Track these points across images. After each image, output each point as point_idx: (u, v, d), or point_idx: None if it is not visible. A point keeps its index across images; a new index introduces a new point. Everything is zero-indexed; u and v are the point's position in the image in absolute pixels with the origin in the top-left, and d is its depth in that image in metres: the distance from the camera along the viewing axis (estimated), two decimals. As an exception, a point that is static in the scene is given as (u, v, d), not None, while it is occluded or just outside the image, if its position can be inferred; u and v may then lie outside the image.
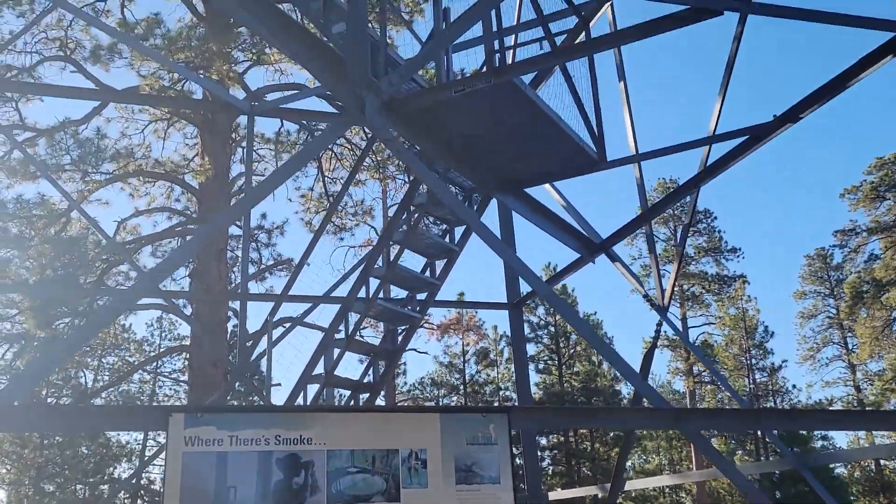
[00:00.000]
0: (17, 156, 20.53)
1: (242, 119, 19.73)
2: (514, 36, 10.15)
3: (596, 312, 52.29)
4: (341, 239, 26.91)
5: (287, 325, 14.83)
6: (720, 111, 8.38)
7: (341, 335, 8.97)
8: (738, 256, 56.58)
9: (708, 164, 8.54)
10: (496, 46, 7.55)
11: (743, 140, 7.80)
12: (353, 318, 9.08)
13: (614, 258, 10.38)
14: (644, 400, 6.00)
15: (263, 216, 28.10)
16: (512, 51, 9.90)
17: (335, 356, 8.65)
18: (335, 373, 8.82)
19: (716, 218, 57.38)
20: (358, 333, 9.07)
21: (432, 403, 49.74)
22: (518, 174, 8.57)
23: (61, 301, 21.17)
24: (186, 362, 29.16)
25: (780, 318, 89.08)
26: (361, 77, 4.75)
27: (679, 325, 55.72)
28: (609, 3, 9.94)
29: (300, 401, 8.75)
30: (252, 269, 26.79)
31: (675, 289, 50.27)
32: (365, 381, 9.17)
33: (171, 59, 18.57)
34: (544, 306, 47.32)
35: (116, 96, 18.79)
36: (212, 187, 22.07)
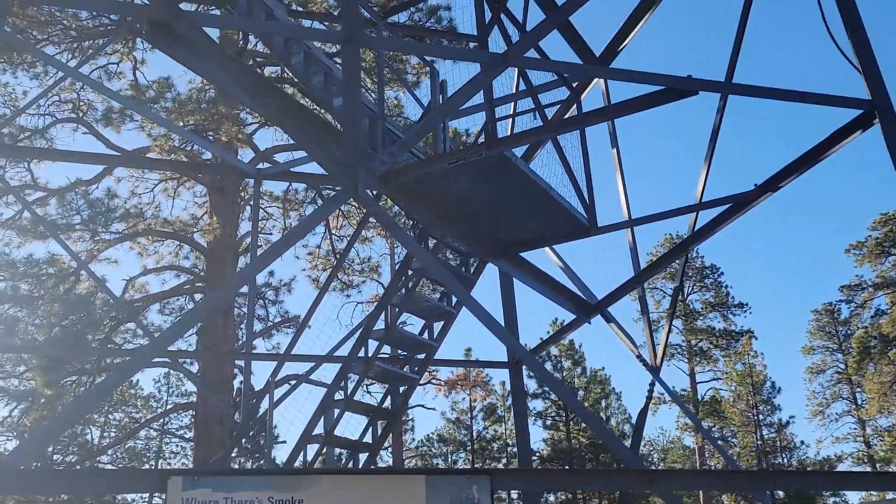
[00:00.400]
0: (29, 215, 20.91)
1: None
2: (513, 104, 10.53)
3: (603, 368, 52.04)
4: (348, 296, 27.11)
5: (292, 382, 15.07)
6: (706, 179, 8.70)
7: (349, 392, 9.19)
8: (746, 311, 56.62)
9: (696, 229, 8.84)
10: (491, 115, 7.90)
11: (728, 207, 8.12)
12: (354, 377, 9.31)
13: (609, 319, 10.64)
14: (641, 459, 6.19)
15: (271, 273, 28.34)
16: (511, 120, 10.28)
17: (335, 416, 8.87)
18: (335, 432, 9.02)
19: (722, 273, 57.55)
20: (365, 388, 9.28)
21: (440, 460, 49.58)
22: (512, 240, 8.87)
23: (69, 360, 21.42)
24: (193, 419, 29.30)
25: (789, 373, 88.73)
26: (355, 157, 5.04)
27: (687, 380, 55.66)
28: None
29: (301, 459, 8.95)
30: (259, 326, 27.03)
31: (685, 345, 50.11)
32: (364, 440, 9.37)
33: (180, 123, 19.01)
34: (551, 362, 47.36)
35: (126, 161, 19.24)
36: (220, 246, 22.42)
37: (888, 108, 6.32)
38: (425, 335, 9.51)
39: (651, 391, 9.92)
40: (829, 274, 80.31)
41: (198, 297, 25.42)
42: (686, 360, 56.29)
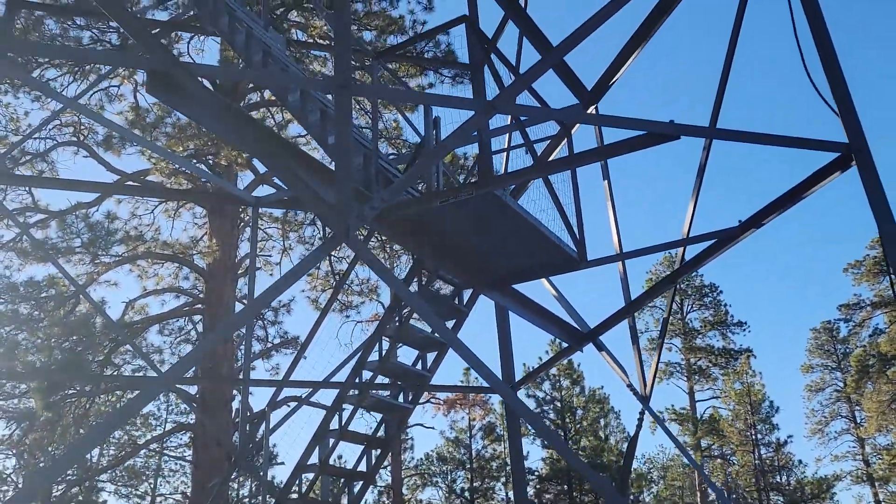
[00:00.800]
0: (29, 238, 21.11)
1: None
2: (507, 136, 10.74)
3: (602, 387, 52.04)
4: (347, 317, 27.25)
5: (290, 404, 15.22)
6: (693, 215, 8.91)
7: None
8: (745, 330, 56.82)
9: (684, 262, 9.06)
10: (482, 155, 8.09)
11: (713, 242, 8.35)
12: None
13: (601, 347, 10.84)
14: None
15: (270, 294, 28.43)
16: (505, 154, 10.50)
17: (330, 445, 9.04)
18: (329, 459, 9.19)
19: (721, 292, 57.75)
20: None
21: (438, 479, 49.67)
22: (503, 272, 9.06)
23: (69, 384, 21.57)
24: (191, 440, 29.38)
25: (789, 391, 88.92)
26: (346, 205, 5.23)
27: (686, 399, 55.78)
28: (594, 108, 10.54)
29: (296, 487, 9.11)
30: (258, 347, 27.18)
31: (684, 363, 50.23)
32: (359, 469, 9.54)
33: (180, 147, 19.27)
34: (550, 381, 47.51)
35: (124, 189, 19.48)
36: (219, 268, 22.61)
37: (865, 150, 6.54)
38: (419, 365, 9.68)
39: (641, 421, 10.08)
40: (827, 292, 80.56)
41: (196, 318, 25.59)
42: (685, 379, 56.46)
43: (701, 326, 57.08)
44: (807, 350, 57.59)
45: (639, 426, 10.15)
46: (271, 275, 27.12)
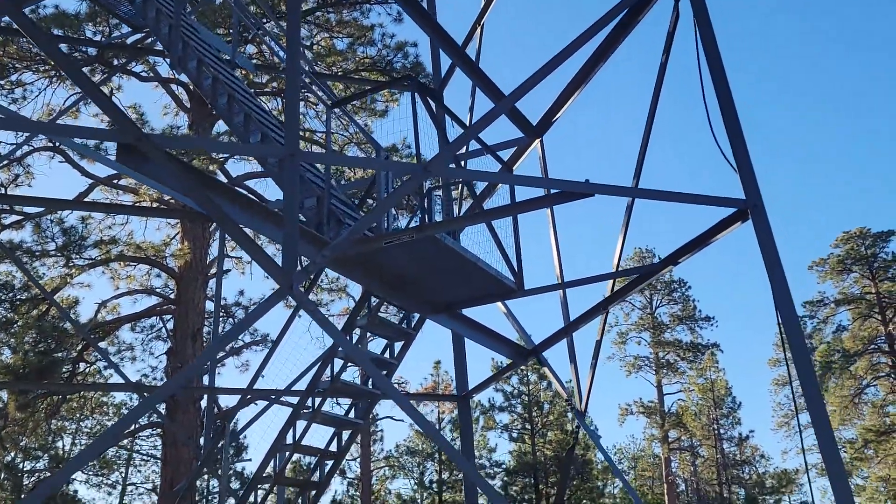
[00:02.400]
0: (3, 238, 21.62)
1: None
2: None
3: (570, 381, 53.02)
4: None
5: (258, 402, 15.88)
6: (622, 250, 9.73)
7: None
8: (713, 325, 57.94)
9: (614, 290, 9.87)
10: (422, 202, 8.83)
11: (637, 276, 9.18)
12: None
13: (543, 363, 11.66)
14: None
15: (241, 293, 29.07)
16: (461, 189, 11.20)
17: (285, 457, 9.76)
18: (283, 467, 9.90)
19: (690, 287, 58.83)
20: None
21: (408, 470, 50.52)
22: (447, 300, 9.80)
23: (42, 388, 22.12)
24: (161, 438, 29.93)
25: (757, 385, 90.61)
26: (291, 264, 5.88)
27: (654, 392, 56.89)
28: (539, 141, 11.31)
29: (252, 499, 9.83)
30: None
31: (653, 357, 51.01)
32: (313, 479, 10.27)
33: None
34: (518, 375, 48.33)
35: (96, 207, 20.16)
36: (190, 269, 23.20)
37: (759, 206, 7.38)
38: (370, 383, 10.41)
39: (576, 434, 10.85)
40: (793, 289, 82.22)
41: (167, 317, 26.13)
42: (654, 372, 57.59)
43: (669, 321, 58.21)
44: (774, 344, 58.77)
45: (574, 440, 10.95)
46: (242, 273, 27.73)
